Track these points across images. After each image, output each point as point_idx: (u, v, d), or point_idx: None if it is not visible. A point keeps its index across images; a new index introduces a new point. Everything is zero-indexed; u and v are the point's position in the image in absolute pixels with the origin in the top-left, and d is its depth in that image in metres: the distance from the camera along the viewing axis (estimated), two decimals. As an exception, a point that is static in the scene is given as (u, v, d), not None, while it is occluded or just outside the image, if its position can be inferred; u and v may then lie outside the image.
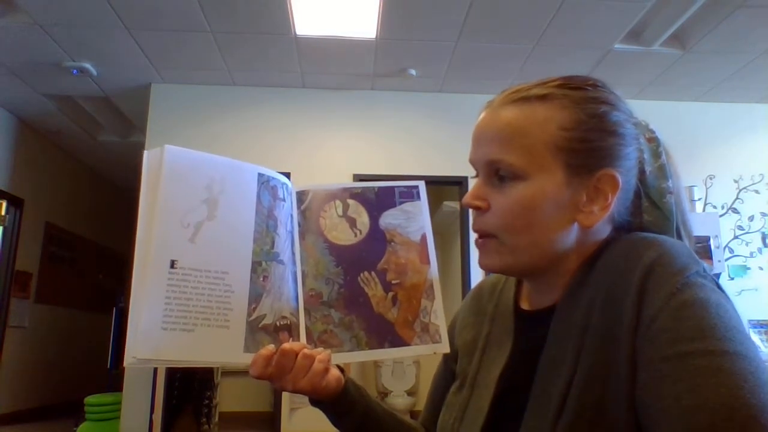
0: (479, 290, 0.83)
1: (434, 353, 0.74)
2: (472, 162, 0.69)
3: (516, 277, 0.75)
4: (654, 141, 0.69)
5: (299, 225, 0.76)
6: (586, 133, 0.63)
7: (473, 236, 0.71)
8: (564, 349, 0.59)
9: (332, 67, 4.29)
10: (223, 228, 0.69)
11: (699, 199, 4.56)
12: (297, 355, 0.66)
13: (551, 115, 0.63)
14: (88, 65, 4.16)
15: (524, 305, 0.73)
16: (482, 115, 0.68)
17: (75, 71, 4.19)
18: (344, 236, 0.76)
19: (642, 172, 0.67)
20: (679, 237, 0.68)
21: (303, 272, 0.74)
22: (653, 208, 0.67)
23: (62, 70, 4.22)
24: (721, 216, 4.53)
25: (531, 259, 0.64)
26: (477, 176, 0.69)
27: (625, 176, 0.64)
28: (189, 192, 0.68)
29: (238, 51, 4.03)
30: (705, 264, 0.57)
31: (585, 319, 0.59)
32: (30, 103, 4.87)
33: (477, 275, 4.42)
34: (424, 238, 0.78)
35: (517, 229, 0.63)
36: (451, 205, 5.21)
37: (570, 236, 0.64)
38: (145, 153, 0.69)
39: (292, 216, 0.76)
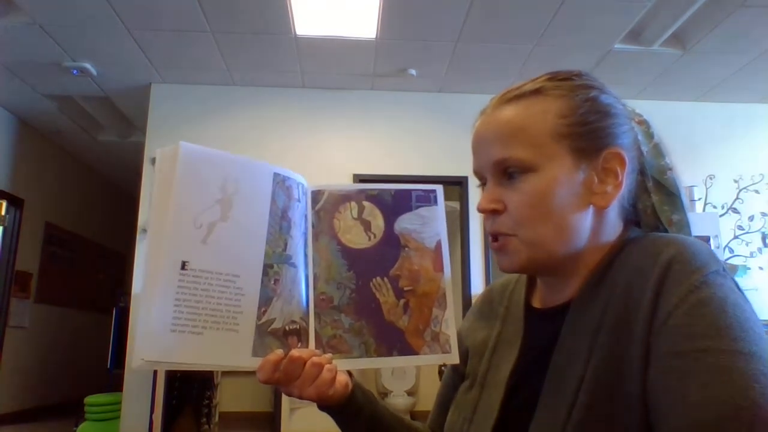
0: (489, 293, 0.83)
1: (443, 364, 0.72)
2: (478, 170, 0.69)
3: (535, 275, 0.74)
4: (644, 123, 0.71)
5: (313, 226, 0.75)
6: (584, 117, 0.64)
7: (473, 238, 0.71)
8: (578, 346, 0.59)
9: (332, 67, 4.29)
10: (236, 229, 0.67)
11: (699, 199, 4.56)
12: (305, 362, 0.65)
13: (548, 106, 0.65)
14: (88, 65, 4.16)
15: (536, 304, 0.73)
16: (478, 123, 0.69)
17: (75, 71, 4.19)
18: (358, 239, 0.74)
19: (640, 152, 0.69)
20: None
21: (315, 275, 0.73)
22: (657, 186, 0.69)
23: (62, 70, 4.21)
24: (721, 216, 4.53)
25: (551, 252, 0.64)
26: (483, 185, 0.69)
27: (628, 153, 0.65)
28: (203, 191, 0.67)
29: (238, 51, 4.03)
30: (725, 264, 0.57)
31: (600, 316, 0.59)
32: (30, 103, 4.86)
33: (477, 276, 4.42)
34: (438, 245, 0.75)
35: (536, 220, 0.63)
36: (451, 205, 5.20)
37: (587, 222, 0.64)
38: (158, 150, 0.67)
39: (306, 216, 0.75)
